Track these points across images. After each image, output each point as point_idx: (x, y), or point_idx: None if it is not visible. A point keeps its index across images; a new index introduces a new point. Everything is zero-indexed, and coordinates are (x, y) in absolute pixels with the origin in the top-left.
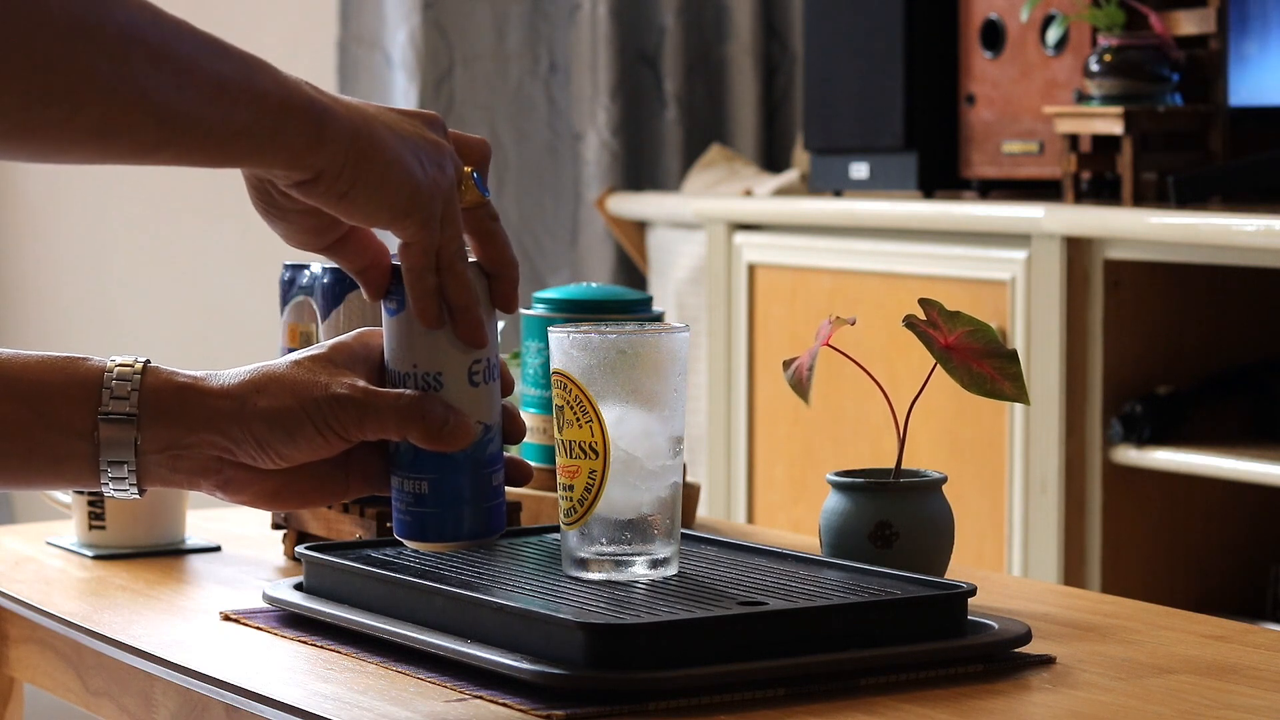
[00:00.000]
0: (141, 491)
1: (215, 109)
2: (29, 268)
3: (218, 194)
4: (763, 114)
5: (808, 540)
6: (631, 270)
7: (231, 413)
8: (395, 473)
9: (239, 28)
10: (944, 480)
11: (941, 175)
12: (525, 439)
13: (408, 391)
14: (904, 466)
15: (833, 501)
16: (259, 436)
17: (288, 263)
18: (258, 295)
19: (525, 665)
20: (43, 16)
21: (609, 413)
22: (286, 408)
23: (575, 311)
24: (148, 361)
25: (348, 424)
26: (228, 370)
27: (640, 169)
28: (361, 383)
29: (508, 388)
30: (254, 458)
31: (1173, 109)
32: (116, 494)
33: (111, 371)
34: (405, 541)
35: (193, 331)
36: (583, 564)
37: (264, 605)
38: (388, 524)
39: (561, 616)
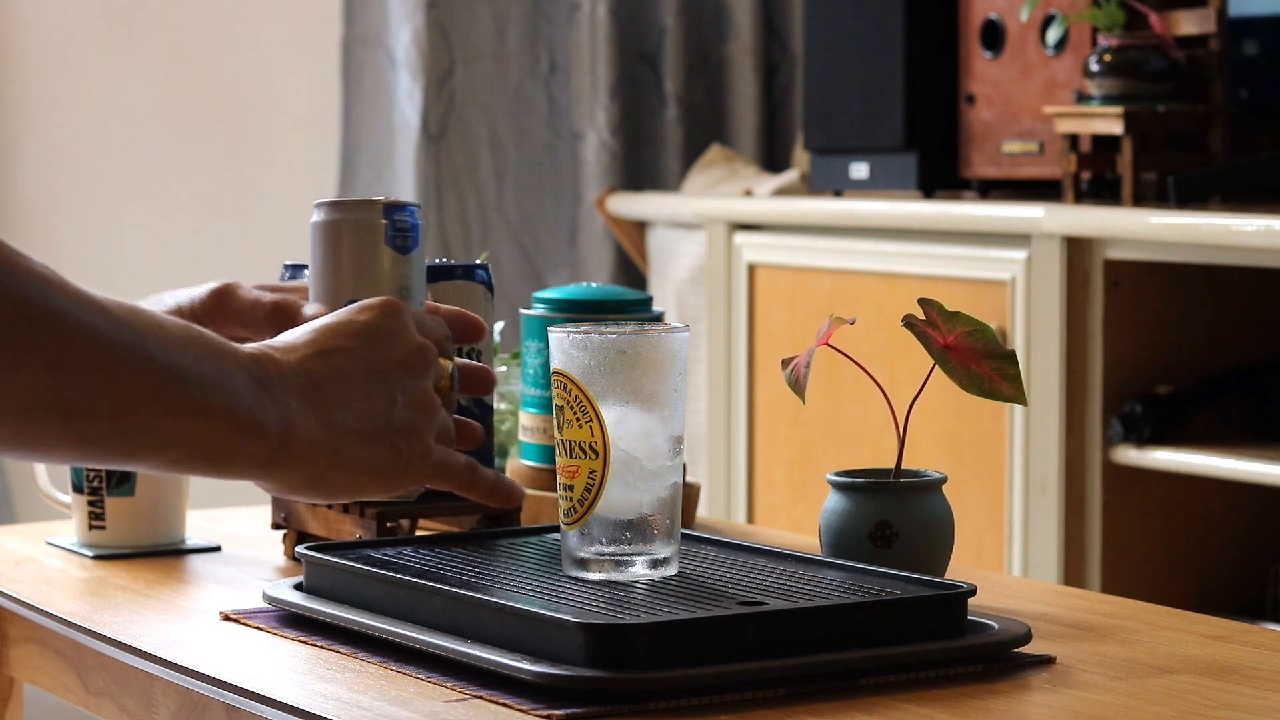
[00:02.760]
0: None
1: (157, 435)
2: None
3: (218, 194)
4: (763, 114)
5: (808, 540)
6: (631, 270)
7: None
8: None
9: (243, 27)
10: (944, 480)
11: (941, 175)
12: (525, 439)
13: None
14: (904, 466)
15: (833, 501)
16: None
17: (287, 263)
18: None
19: (525, 665)
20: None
21: (609, 413)
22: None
23: (575, 311)
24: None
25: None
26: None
27: (640, 169)
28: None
29: (486, 384)
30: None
31: (1173, 109)
32: None
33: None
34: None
35: None
36: (583, 564)
37: (264, 605)
38: (388, 524)
39: (561, 616)
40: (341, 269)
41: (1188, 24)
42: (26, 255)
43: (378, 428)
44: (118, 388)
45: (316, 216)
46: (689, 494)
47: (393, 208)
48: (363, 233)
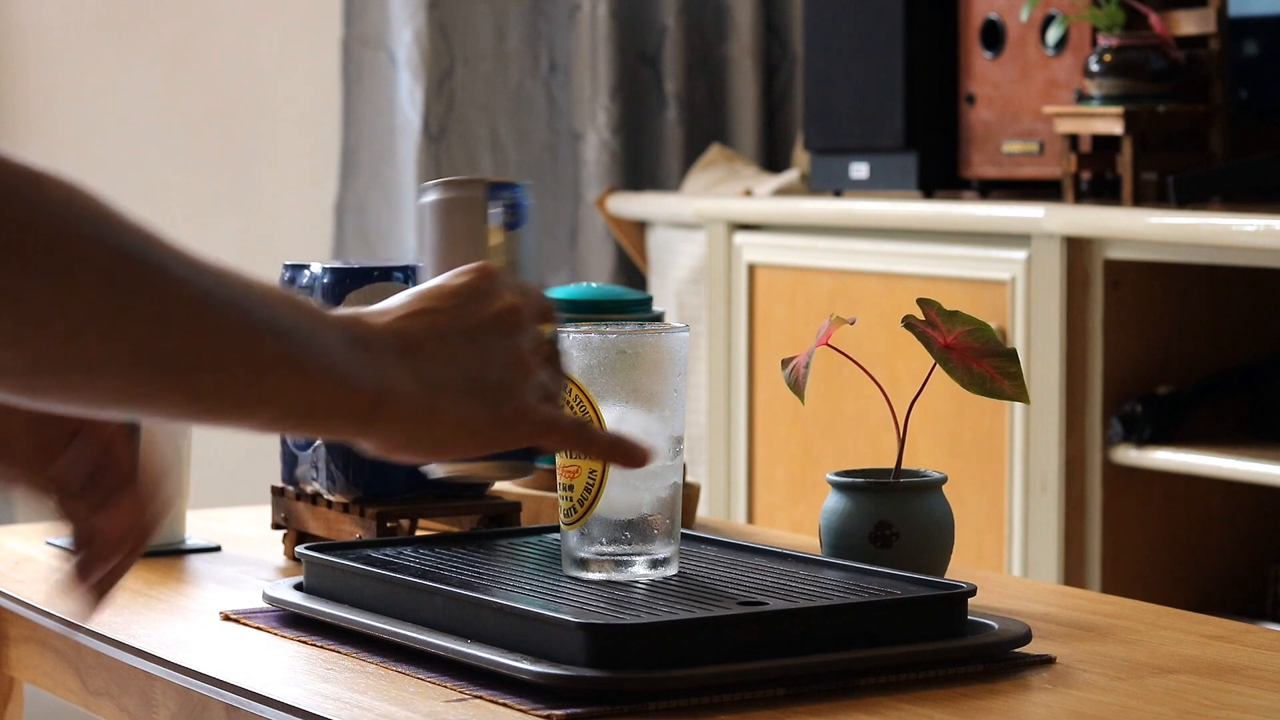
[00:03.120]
0: None
1: (253, 390)
2: None
3: (218, 194)
4: (763, 114)
5: (808, 540)
6: (631, 270)
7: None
8: None
9: (243, 27)
10: (944, 480)
11: (941, 175)
12: None
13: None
14: (904, 466)
15: (833, 501)
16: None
17: (287, 263)
18: None
19: (525, 665)
20: (68, 285)
21: (609, 413)
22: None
23: (575, 311)
24: None
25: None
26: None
27: (640, 169)
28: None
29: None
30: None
31: (1173, 109)
32: None
33: None
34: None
35: None
36: (583, 564)
37: (264, 605)
38: (388, 524)
39: (561, 616)
40: (449, 247)
41: (1188, 24)
42: (122, 210)
43: (474, 385)
44: (218, 342)
45: (425, 198)
46: (689, 494)
47: (498, 186)
48: (468, 210)
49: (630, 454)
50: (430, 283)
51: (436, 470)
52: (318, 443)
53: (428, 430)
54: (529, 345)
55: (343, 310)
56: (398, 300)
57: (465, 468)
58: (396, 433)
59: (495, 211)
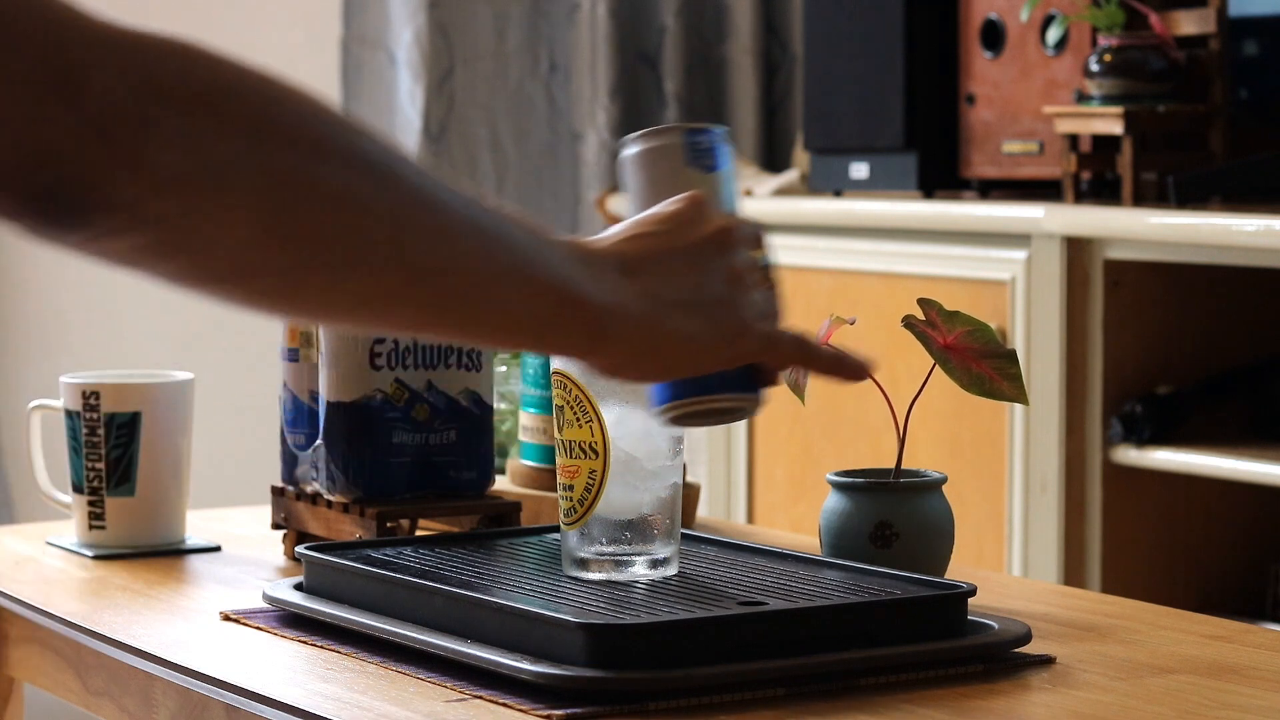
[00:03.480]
0: None
1: (487, 297)
2: (29, 268)
3: None
4: (763, 114)
5: (808, 540)
6: None
7: None
8: None
9: (243, 27)
10: (944, 480)
11: (941, 175)
12: (525, 439)
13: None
14: (904, 466)
15: (833, 501)
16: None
17: None
18: None
19: (525, 665)
20: (314, 184)
21: (609, 413)
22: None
23: None
24: None
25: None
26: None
27: None
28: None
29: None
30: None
31: (1173, 109)
32: None
33: None
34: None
35: (193, 331)
36: (583, 564)
37: (264, 605)
38: (388, 524)
39: (561, 616)
40: (654, 195)
41: (1188, 24)
42: (356, 121)
43: (695, 300)
44: (456, 247)
45: (625, 151)
46: (689, 494)
47: (694, 131)
48: (665, 157)
49: (854, 369)
50: (643, 214)
51: (667, 414)
52: (318, 442)
53: (654, 346)
54: (744, 264)
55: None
56: (613, 230)
57: (693, 404)
58: (624, 349)
59: (694, 155)
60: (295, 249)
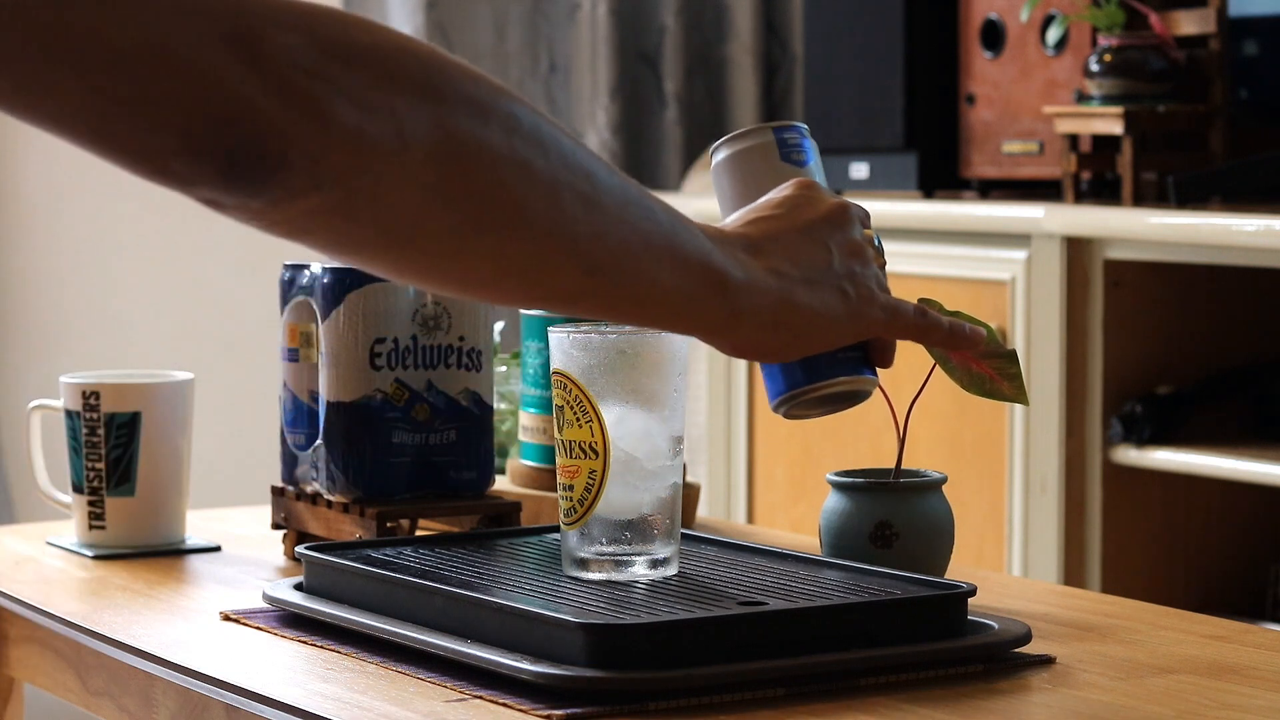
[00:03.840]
0: None
1: (638, 268)
2: (29, 268)
3: None
4: (763, 114)
5: (808, 540)
6: None
7: None
8: None
9: None
10: (944, 480)
11: (941, 175)
12: (525, 439)
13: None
14: (904, 466)
15: (833, 501)
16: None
17: (287, 263)
18: (258, 295)
19: (525, 665)
20: (481, 145)
21: (609, 413)
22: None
23: None
24: None
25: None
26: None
27: (640, 169)
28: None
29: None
30: None
31: (1173, 109)
32: None
33: None
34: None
35: (193, 331)
36: (583, 564)
37: (264, 605)
38: (388, 524)
39: (561, 616)
40: (750, 192)
41: (1188, 24)
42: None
43: (821, 274)
44: (609, 214)
45: (716, 156)
46: (689, 494)
47: (780, 128)
48: (758, 155)
49: (972, 339)
50: (756, 203)
51: (789, 403)
52: (318, 442)
53: (786, 321)
54: (861, 240)
55: None
56: (731, 218)
57: (814, 390)
58: (757, 326)
59: (785, 151)
60: (463, 208)
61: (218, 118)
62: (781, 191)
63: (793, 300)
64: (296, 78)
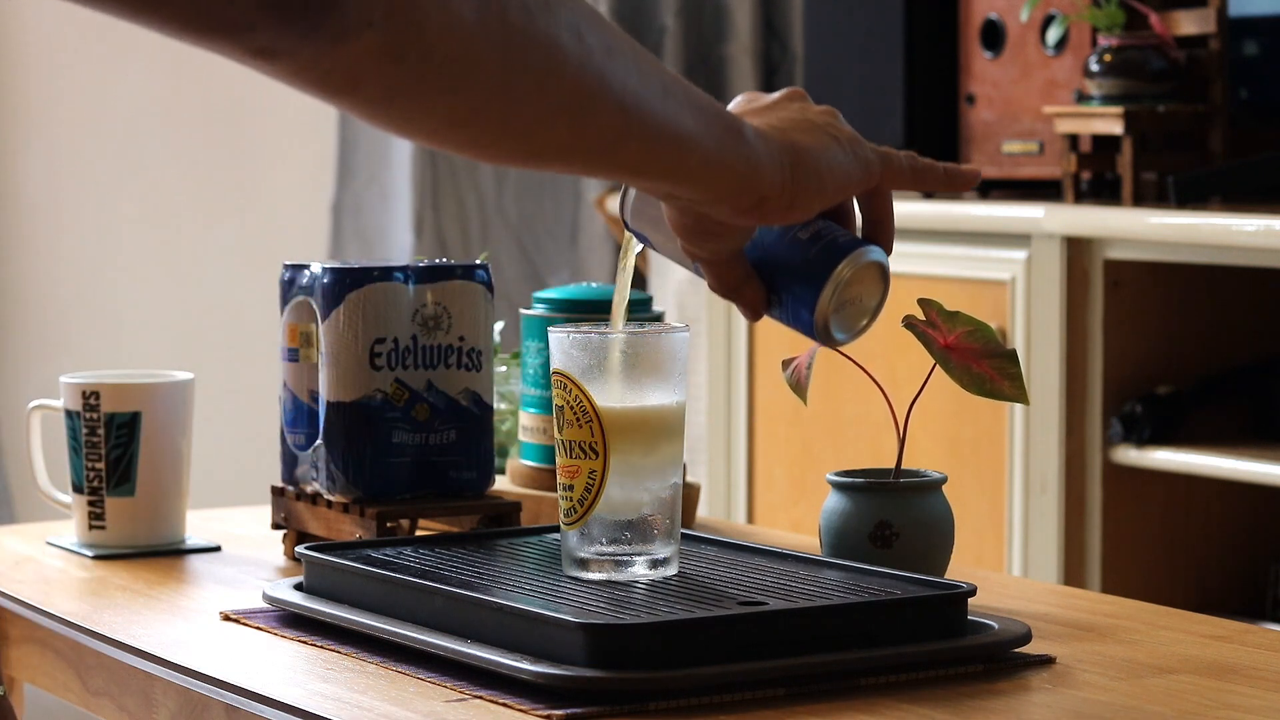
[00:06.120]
0: None
1: (666, 106)
2: (29, 268)
3: (218, 194)
4: None
5: (808, 540)
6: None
7: None
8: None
9: None
10: (944, 480)
11: None
12: (525, 439)
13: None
14: (904, 466)
15: (833, 501)
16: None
17: (287, 263)
18: (258, 295)
19: (525, 665)
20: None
21: (609, 413)
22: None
23: (575, 311)
24: None
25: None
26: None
27: None
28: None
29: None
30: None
31: (1173, 109)
32: None
33: None
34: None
35: (193, 331)
36: (583, 564)
37: (264, 605)
38: (388, 524)
39: (561, 616)
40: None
41: (1188, 24)
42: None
43: (809, 129)
44: (627, 58)
45: (628, 203)
46: (689, 494)
47: None
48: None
49: (967, 178)
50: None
51: (833, 300)
52: (318, 442)
53: (800, 163)
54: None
55: None
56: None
57: (844, 269)
58: (778, 168)
59: None
60: (504, 47)
61: None
62: (771, 95)
63: (799, 144)
64: None
